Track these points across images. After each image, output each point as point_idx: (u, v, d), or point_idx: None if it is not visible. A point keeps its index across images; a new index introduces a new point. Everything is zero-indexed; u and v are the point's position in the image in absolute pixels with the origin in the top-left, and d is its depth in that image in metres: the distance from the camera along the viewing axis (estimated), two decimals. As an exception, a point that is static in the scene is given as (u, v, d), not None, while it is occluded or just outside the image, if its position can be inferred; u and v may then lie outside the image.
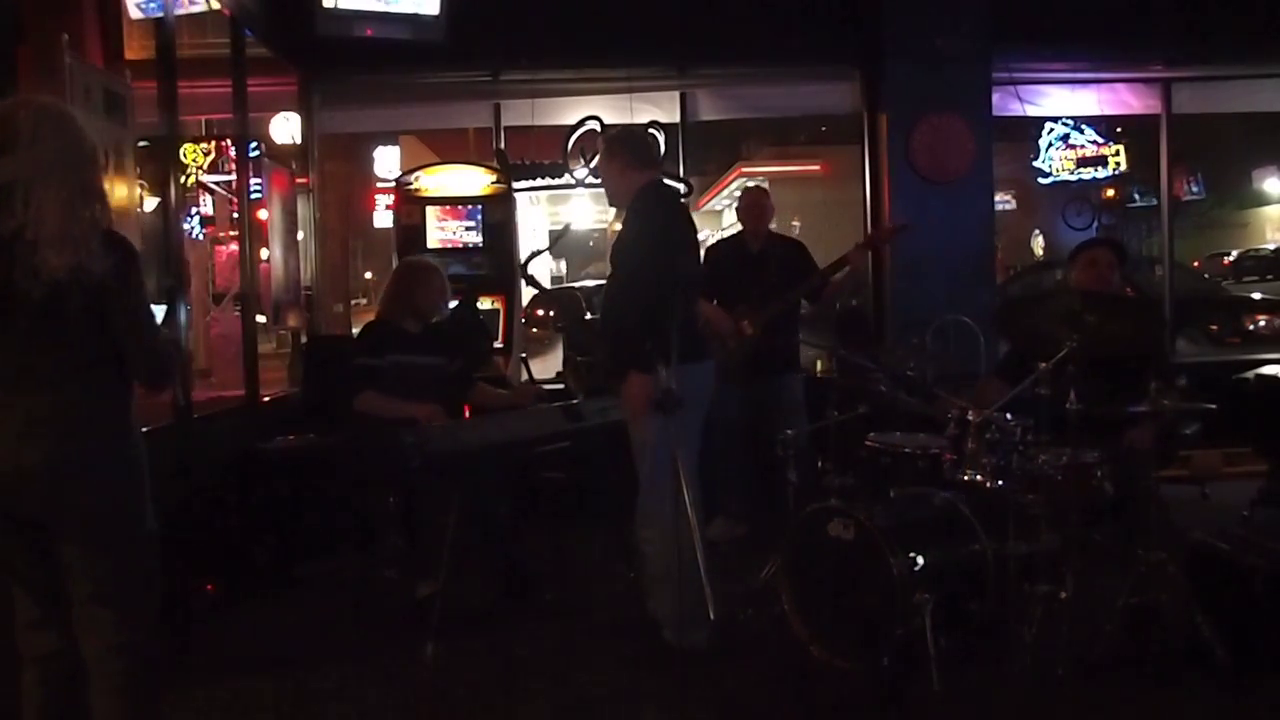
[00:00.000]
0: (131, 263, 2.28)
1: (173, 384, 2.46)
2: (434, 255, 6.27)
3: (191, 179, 11.77)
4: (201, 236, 13.30)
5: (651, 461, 3.47)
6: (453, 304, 6.03)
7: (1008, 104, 6.65)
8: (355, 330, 4.45)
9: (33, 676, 2.38)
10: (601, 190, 4.08)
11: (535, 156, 6.75)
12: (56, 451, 2.21)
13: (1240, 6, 6.30)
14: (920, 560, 3.33)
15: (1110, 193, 16.90)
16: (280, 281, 6.51)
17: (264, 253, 7.00)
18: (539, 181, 6.74)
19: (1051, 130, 11.24)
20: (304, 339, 6.51)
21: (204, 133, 10.93)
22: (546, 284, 14.09)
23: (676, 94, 6.80)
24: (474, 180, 6.34)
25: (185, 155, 11.00)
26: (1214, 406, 3.52)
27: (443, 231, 6.31)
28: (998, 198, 7.96)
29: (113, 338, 2.27)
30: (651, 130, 6.13)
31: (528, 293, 6.18)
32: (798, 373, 5.32)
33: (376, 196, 14.42)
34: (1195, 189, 18.30)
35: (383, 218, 13.24)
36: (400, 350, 4.17)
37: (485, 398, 4.45)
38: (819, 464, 4.29)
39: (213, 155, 11.54)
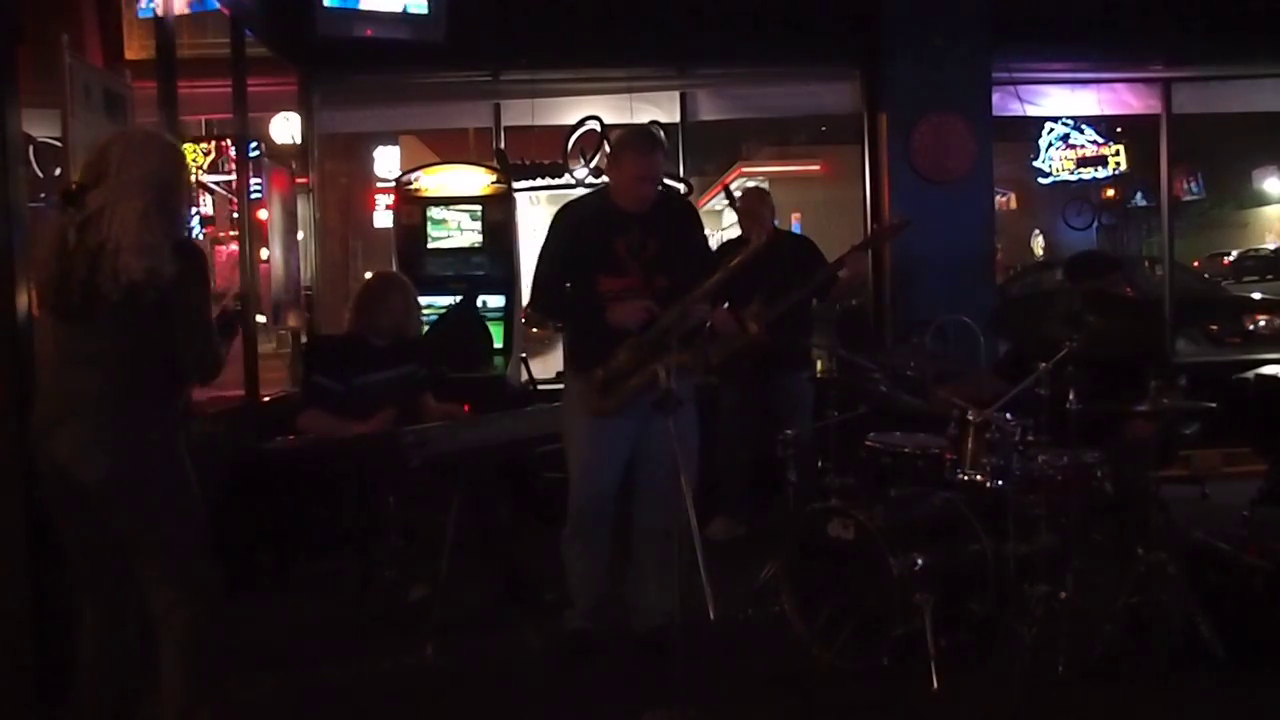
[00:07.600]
0: (195, 263, 2.56)
1: (212, 380, 2.77)
2: (433, 255, 6.29)
3: (191, 179, 11.76)
4: (201, 236, 13.28)
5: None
6: (452, 303, 6.08)
7: (1008, 104, 6.64)
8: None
9: (86, 630, 2.67)
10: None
11: (535, 156, 6.75)
12: (88, 418, 2.49)
13: (1240, 6, 6.29)
14: (920, 560, 3.33)
15: (1110, 193, 16.89)
16: (280, 281, 6.51)
17: (264, 253, 7.01)
18: (539, 181, 6.74)
19: (1051, 130, 11.24)
20: (304, 339, 6.51)
21: (204, 133, 10.91)
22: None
23: (676, 94, 6.80)
24: (474, 180, 6.34)
25: (185, 155, 10.99)
26: (1214, 406, 3.52)
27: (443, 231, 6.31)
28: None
29: (170, 332, 2.54)
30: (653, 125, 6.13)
31: (527, 293, 6.16)
32: (807, 372, 5.27)
33: (376, 196, 14.39)
34: (1195, 189, 18.28)
35: (383, 218, 13.22)
36: (361, 365, 4.14)
37: (425, 411, 4.30)
38: (819, 464, 4.28)
39: (213, 155, 11.51)
